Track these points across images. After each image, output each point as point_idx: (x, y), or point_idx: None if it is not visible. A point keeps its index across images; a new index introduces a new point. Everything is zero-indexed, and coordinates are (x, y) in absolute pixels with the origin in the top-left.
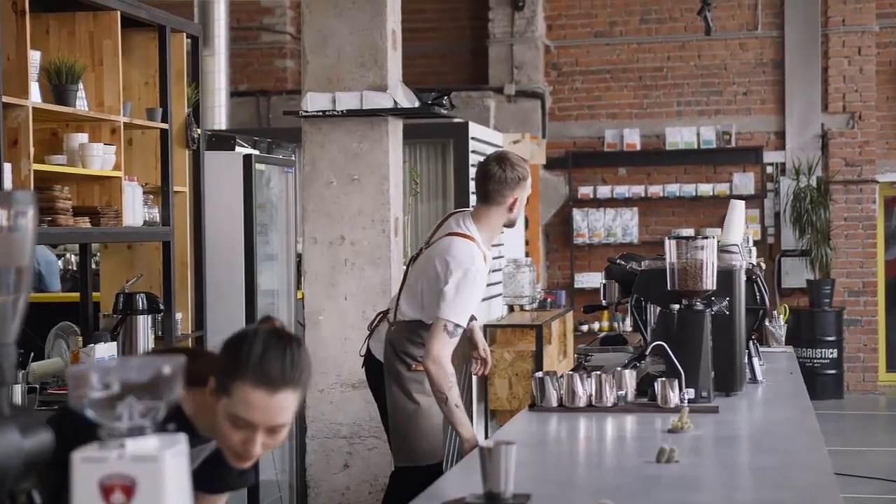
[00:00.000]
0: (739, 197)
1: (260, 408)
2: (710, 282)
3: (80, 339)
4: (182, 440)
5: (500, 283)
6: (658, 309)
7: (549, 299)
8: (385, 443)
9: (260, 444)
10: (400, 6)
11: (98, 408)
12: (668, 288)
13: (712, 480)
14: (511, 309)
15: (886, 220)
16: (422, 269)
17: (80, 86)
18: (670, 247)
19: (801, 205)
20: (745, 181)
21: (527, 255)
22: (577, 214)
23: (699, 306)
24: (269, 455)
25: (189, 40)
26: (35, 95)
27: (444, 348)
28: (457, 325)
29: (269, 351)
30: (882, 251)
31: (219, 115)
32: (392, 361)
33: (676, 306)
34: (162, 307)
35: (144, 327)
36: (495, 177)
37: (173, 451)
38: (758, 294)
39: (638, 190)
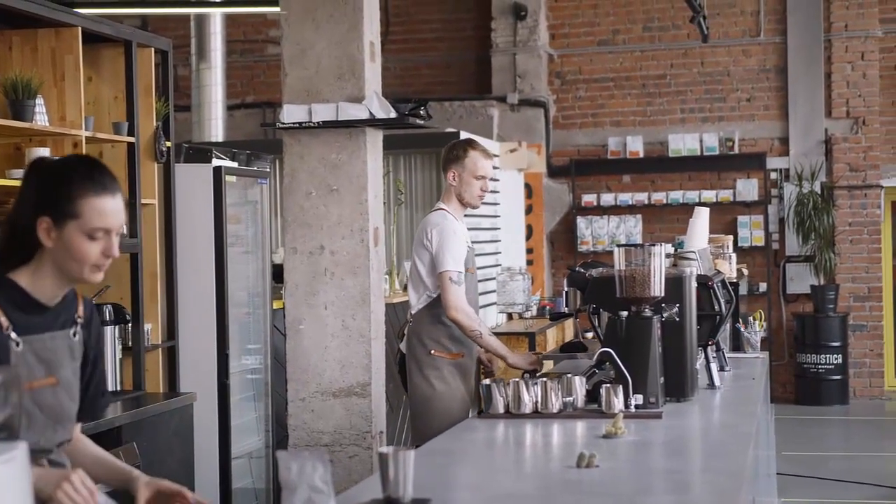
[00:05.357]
0: (743, 203)
1: (111, 211)
2: (657, 288)
3: None
4: (19, 447)
5: (494, 291)
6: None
7: (547, 307)
8: (366, 450)
9: (116, 246)
10: (378, 19)
11: None
12: (617, 295)
13: (623, 485)
14: (510, 317)
15: (892, 224)
16: (413, 258)
17: (41, 101)
18: (618, 254)
19: (804, 210)
20: (748, 187)
21: (530, 262)
22: (581, 222)
23: (647, 313)
24: (246, 463)
25: (159, 55)
26: None
27: (455, 297)
28: (458, 273)
29: (90, 168)
30: (888, 256)
31: (215, 128)
32: (414, 349)
33: (625, 313)
34: (129, 318)
35: (112, 338)
36: (442, 152)
37: (4, 459)
38: (715, 301)
39: (641, 197)
